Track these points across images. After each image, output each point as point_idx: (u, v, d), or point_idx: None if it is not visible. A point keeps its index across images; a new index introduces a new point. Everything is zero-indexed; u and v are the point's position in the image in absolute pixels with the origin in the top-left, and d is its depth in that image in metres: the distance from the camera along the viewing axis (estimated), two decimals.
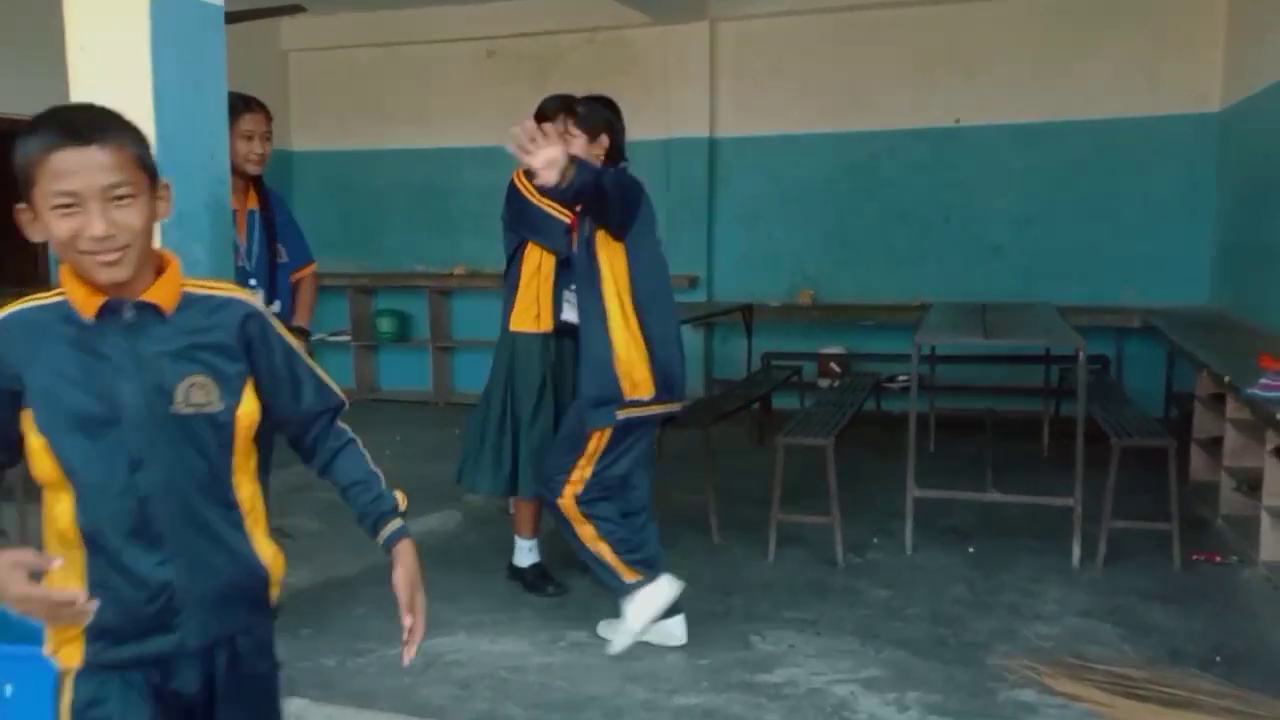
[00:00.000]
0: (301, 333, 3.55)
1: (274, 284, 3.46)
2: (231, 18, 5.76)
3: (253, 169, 3.45)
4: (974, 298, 6.91)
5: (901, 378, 7.06)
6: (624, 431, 3.21)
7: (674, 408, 3.33)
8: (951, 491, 4.42)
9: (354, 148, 8.56)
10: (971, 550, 4.29)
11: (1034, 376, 6.49)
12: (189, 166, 2.98)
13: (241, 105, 3.40)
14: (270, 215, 3.53)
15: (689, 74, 7.59)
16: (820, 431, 4.28)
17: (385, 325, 8.30)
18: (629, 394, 3.16)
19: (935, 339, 4.31)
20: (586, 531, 3.25)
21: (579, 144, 3.26)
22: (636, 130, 7.69)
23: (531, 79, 7.82)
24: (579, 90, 3.74)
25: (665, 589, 3.24)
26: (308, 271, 3.70)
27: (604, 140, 3.28)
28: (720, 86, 7.60)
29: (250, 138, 3.42)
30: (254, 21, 7.79)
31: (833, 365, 7.10)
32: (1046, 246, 7.02)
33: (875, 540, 4.43)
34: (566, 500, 3.23)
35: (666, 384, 3.24)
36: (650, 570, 3.26)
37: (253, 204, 3.51)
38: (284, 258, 3.51)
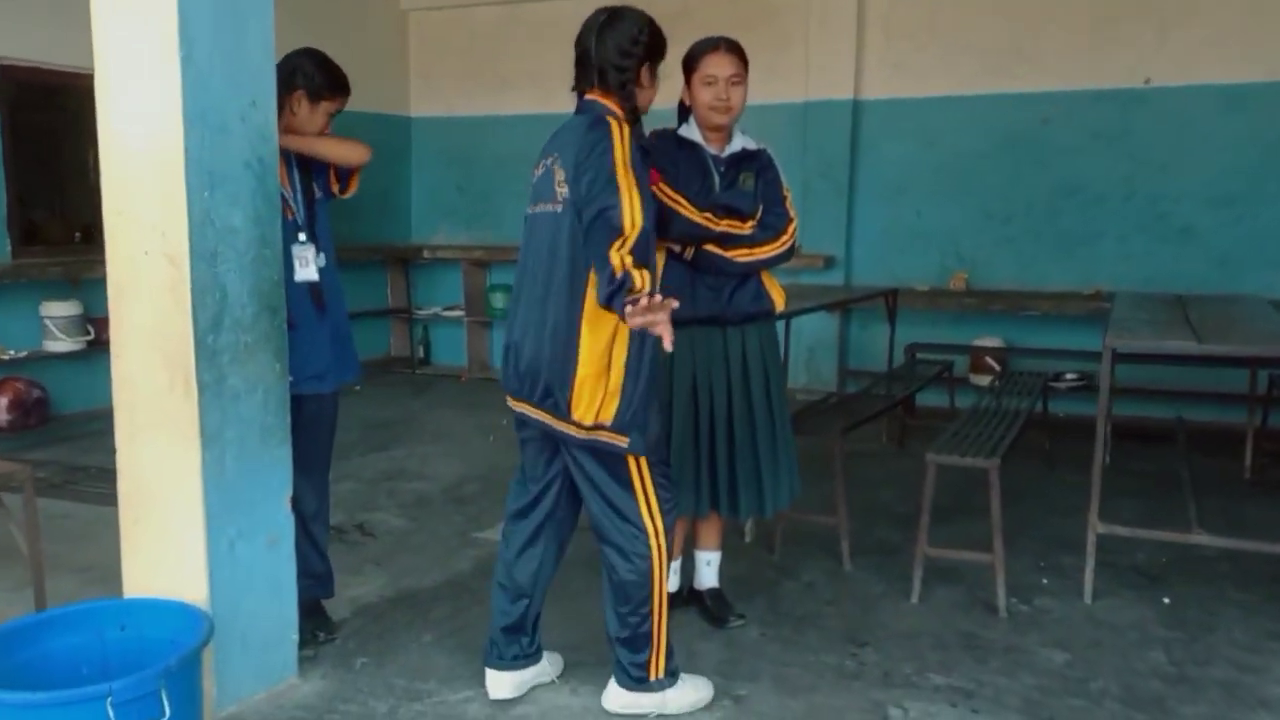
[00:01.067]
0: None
1: (314, 225, 2.98)
2: None
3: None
4: (1157, 286, 5.99)
5: (1069, 376, 6.20)
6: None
7: (524, 409, 2.63)
8: (1143, 530, 3.61)
9: (473, 114, 8.13)
10: (1167, 601, 3.49)
11: (1235, 380, 5.51)
12: (225, 117, 2.50)
13: (343, 87, 3.04)
14: (314, 168, 3.04)
15: (832, 29, 6.82)
16: (980, 448, 3.55)
17: (499, 301, 7.87)
18: None
19: (1133, 343, 3.51)
20: None
21: None
22: (772, 92, 7.08)
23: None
24: None
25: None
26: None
27: None
28: (867, 43, 6.81)
29: (332, 117, 3.04)
30: None
31: (989, 360, 6.27)
32: (1250, 229, 5.99)
33: (1044, 581, 3.67)
34: None
35: (514, 378, 2.61)
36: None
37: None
38: (319, 193, 3.03)
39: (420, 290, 8.31)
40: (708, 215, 2.95)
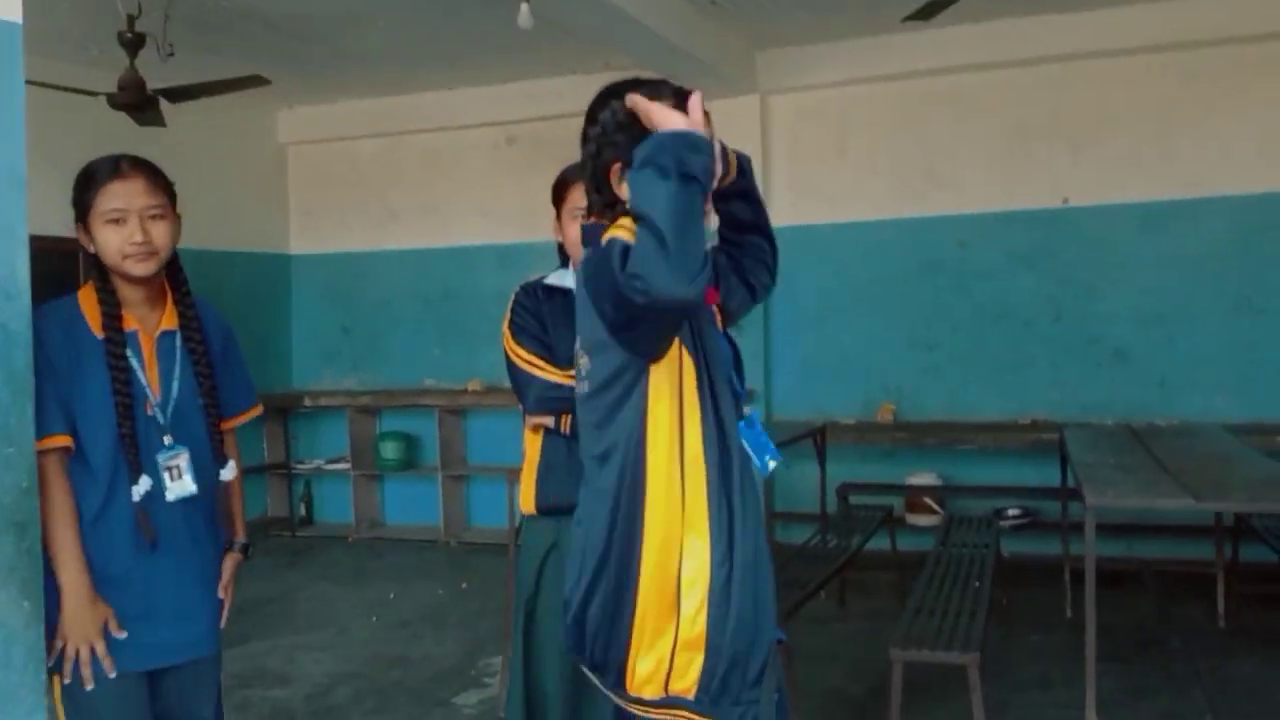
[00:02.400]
0: (242, 550, 2.30)
1: (217, 444, 2.22)
2: (179, 94, 4.82)
3: (136, 268, 2.08)
4: (1095, 412, 5.66)
5: (1012, 513, 5.74)
6: None
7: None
8: None
9: (358, 249, 7.55)
10: None
11: (1198, 512, 5.10)
12: None
13: (108, 170, 2.10)
14: (201, 341, 2.19)
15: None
16: (951, 631, 2.96)
17: (390, 451, 7.14)
18: None
19: (1118, 501, 3.01)
20: None
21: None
22: None
23: (556, 168, 6.76)
24: None
25: None
26: (241, 420, 2.33)
27: None
28: (774, 169, 6.49)
29: (120, 221, 2.07)
30: (249, 113, 6.93)
31: (927, 500, 5.78)
32: (1183, 350, 5.71)
33: None
34: None
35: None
36: None
37: (169, 323, 2.17)
38: (199, 391, 2.21)
39: (302, 442, 7.53)
40: (571, 373, 2.33)
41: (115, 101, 4.53)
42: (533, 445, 2.38)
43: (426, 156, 7.35)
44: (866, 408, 6.27)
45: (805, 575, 3.83)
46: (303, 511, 7.37)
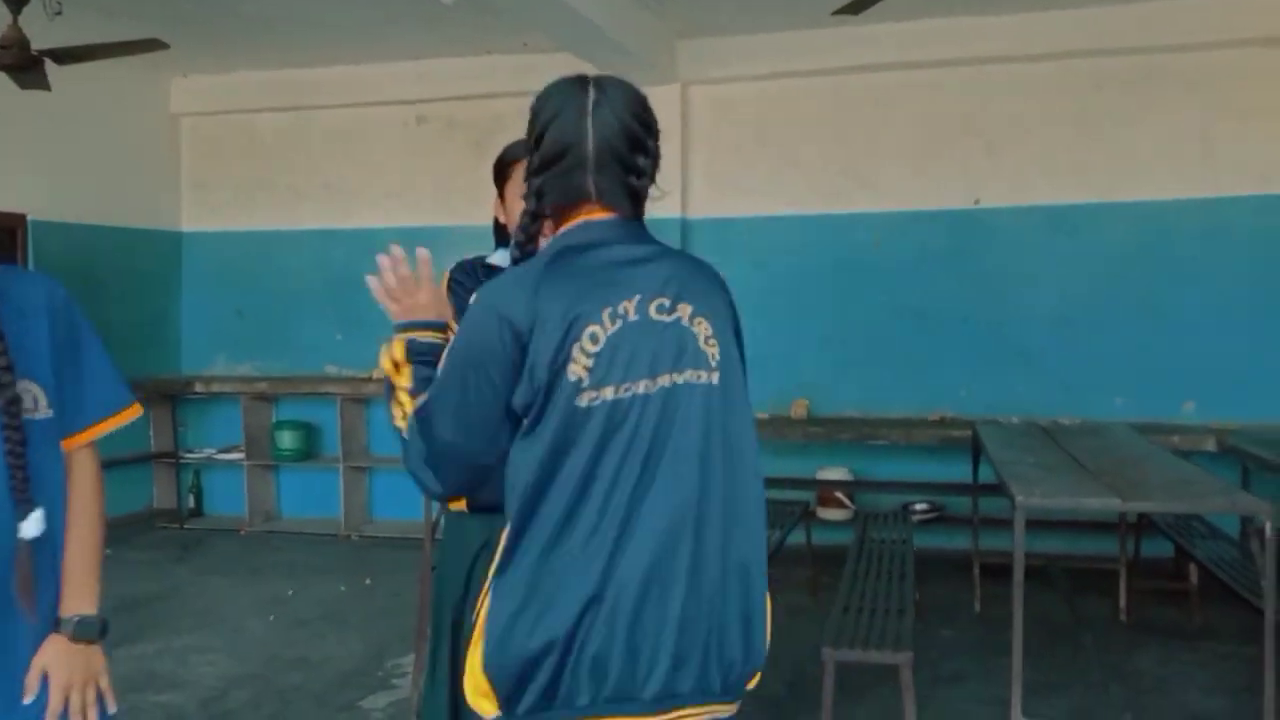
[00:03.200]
0: (100, 629, 1.59)
1: (26, 475, 1.47)
2: (67, 56, 4.47)
3: None
4: (1001, 410, 5.76)
5: (920, 507, 5.81)
6: None
7: None
8: None
9: (256, 228, 7.20)
10: None
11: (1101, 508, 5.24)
12: None
13: None
14: None
15: None
16: (883, 634, 2.93)
17: (287, 440, 6.84)
18: None
19: (1045, 498, 3.02)
20: None
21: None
22: None
23: (468, 149, 6.62)
24: None
25: None
26: (106, 427, 1.66)
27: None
28: (694, 161, 6.42)
29: None
30: (139, 80, 6.51)
31: (838, 495, 5.80)
32: (1087, 351, 5.85)
33: None
34: None
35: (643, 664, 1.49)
36: None
37: None
38: (41, 410, 1.53)
39: (191, 430, 7.15)
40: None
41: None
42: None
43: (332, 133, 7.05)
44: (781, 402, 6.26)
45: None
46: (191, 503, 7.00)
